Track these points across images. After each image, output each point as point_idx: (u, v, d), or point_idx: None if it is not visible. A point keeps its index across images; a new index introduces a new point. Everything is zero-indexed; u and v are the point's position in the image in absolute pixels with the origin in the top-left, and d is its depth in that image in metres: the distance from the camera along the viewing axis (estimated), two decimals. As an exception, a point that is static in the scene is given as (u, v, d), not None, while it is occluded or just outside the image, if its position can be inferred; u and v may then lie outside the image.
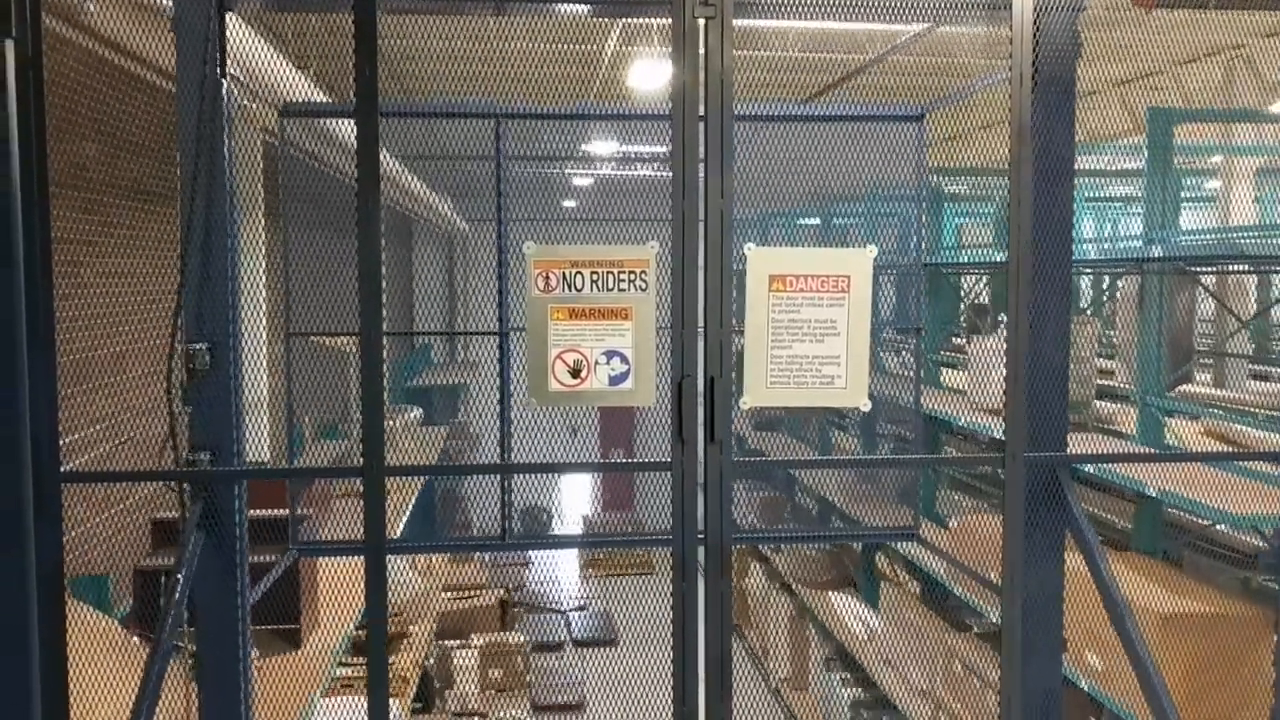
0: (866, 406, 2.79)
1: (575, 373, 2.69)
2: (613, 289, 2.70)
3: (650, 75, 9.26)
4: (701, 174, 2.51)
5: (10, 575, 2.42)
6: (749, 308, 2.69)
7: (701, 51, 2.52)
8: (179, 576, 2.93)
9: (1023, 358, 2.84)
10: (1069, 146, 2.90)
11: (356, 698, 8.04)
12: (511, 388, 5.72)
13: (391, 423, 10.83)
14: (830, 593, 11.22)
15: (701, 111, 2.52)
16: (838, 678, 10.23)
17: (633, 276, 2.70)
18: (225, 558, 3.20)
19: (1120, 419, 6.99)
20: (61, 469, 2.56)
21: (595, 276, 2.71)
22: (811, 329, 2.72)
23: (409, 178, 11.49)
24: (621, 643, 14.69)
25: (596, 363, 2.67)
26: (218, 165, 3.21)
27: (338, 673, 7.82)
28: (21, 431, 2.43)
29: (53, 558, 2.54)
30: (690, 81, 2.41)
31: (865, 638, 10.02)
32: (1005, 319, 7.92)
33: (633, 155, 15.40)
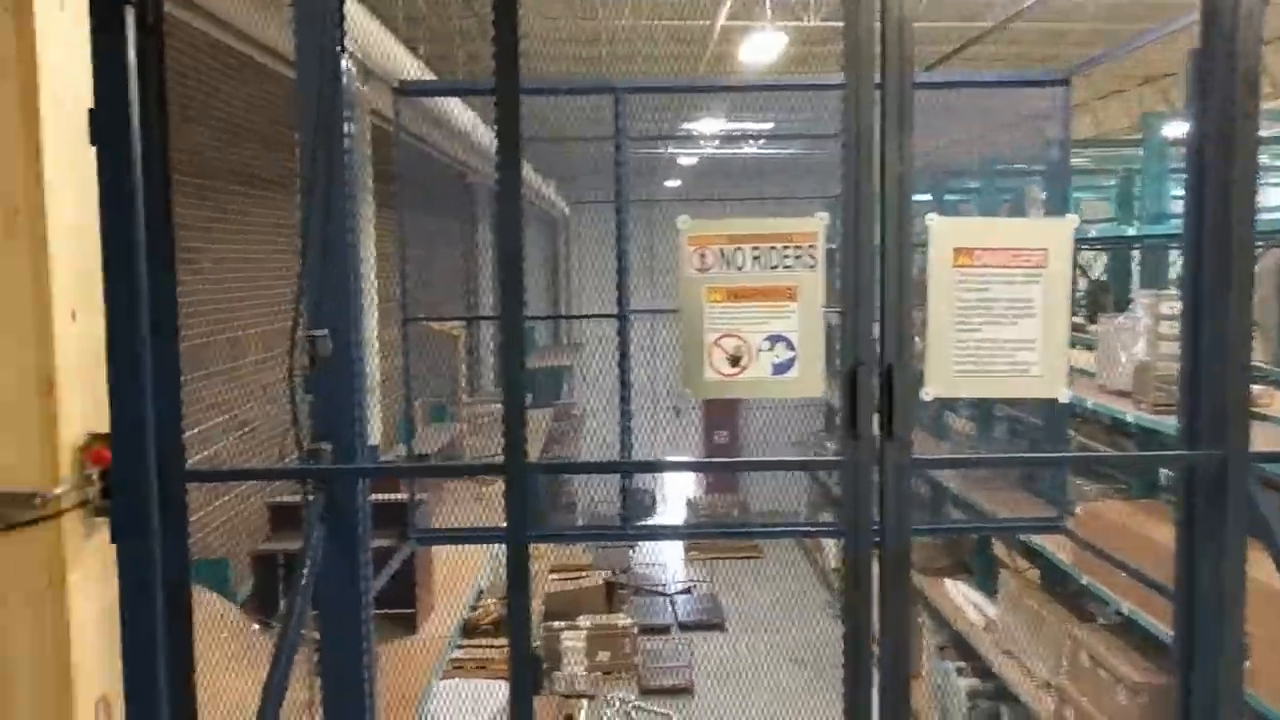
0: (1065, 398, 2.54)
1: (735, 360, 2.46)
2: (777, 266, 2.48)
3: (761, 48, 9.01)
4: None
5: (135, 576, 2.35)
6: (932, 286, 2.44)
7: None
8: (303, 571, 2.85)
9: (1213, 343, 2.58)
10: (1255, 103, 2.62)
11: (472, 681, 8.06)
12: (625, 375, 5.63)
13: (495, 406, 10.79)
14: (945, 580, 10.92)
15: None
16: (952, 666, 9.95)
17: (799, 252, 2.47)
18: (346, 547, 3.11)
19: (1265, 400, 6.57)
20: (186, 467, 2.48)
21: (757, 253, 2.48)
22: (1003, 309, 2.47)
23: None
24: (730, 628, 14.56)
25: (759, 349, 2.44)
26: (337, 147, 3.12)
27: (453, 655, 7.84)
28: (145, 428, 2.35)
29: (178, 559, 2.47)
30: (865, 30, 2.18)
31: (982, 626, 9.72)
32: (1136, 297, 7.49)
33: (741, 133, 15.15)
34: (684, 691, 12.98)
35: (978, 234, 2.47)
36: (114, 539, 2.38)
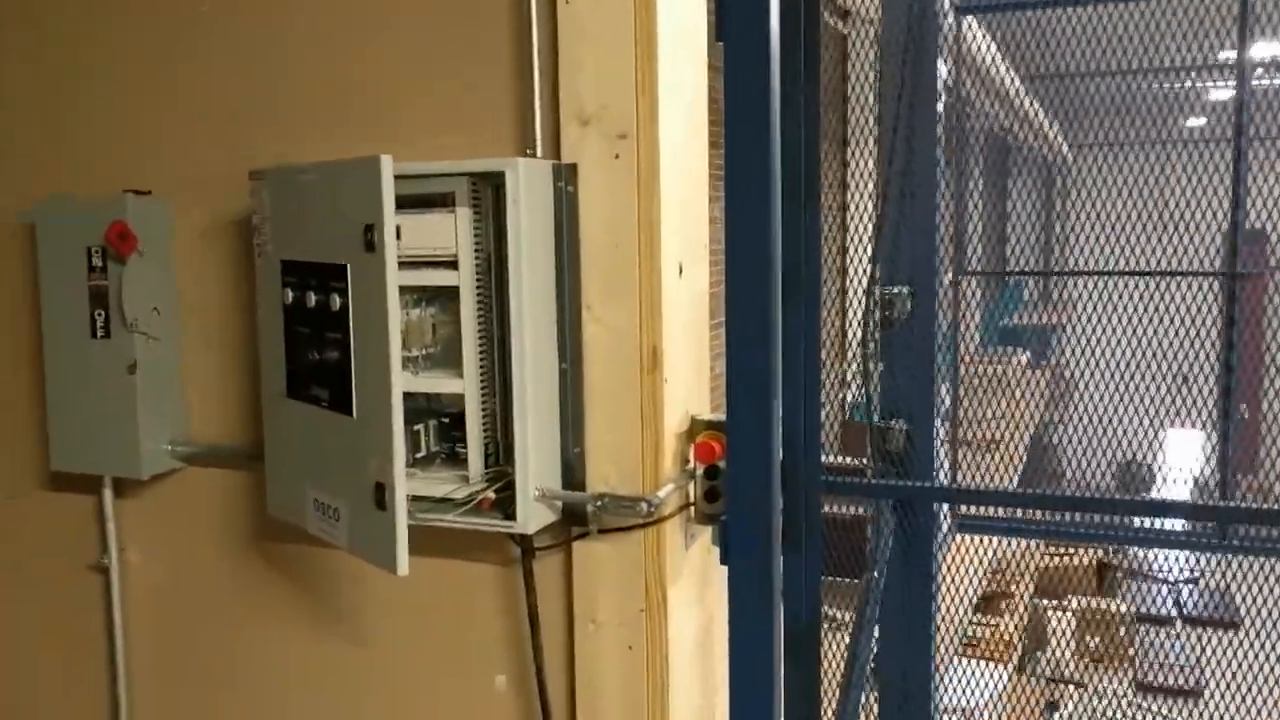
0: None
1: None
2: None
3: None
4: None
5: (751, 609, 1.95)
6: None
7: None
8: (869, 599, 2.37)
9: None
10: None
11: (977, 663, 7.56)
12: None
13: (997, 367, 10.02)
14: None
15: None
16: None
17: None
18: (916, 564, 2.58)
19: None
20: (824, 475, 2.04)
21: None
22: None
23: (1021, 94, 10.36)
24: (1247, 627, 12.77)
25: None
26: (927, 86, 2.56)
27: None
28: (770, 420, 1.93)
29: (806, 592, 2.04)
30: None
31: None
32: None
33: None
34: (1190, 694, 11.56)
35: None
36: (725, 559, 2.00)
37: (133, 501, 2.62)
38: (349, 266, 1.95)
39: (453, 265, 2.11)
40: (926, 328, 2.72)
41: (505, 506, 2.09)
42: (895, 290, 2.69)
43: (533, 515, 2.06)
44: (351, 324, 1.96)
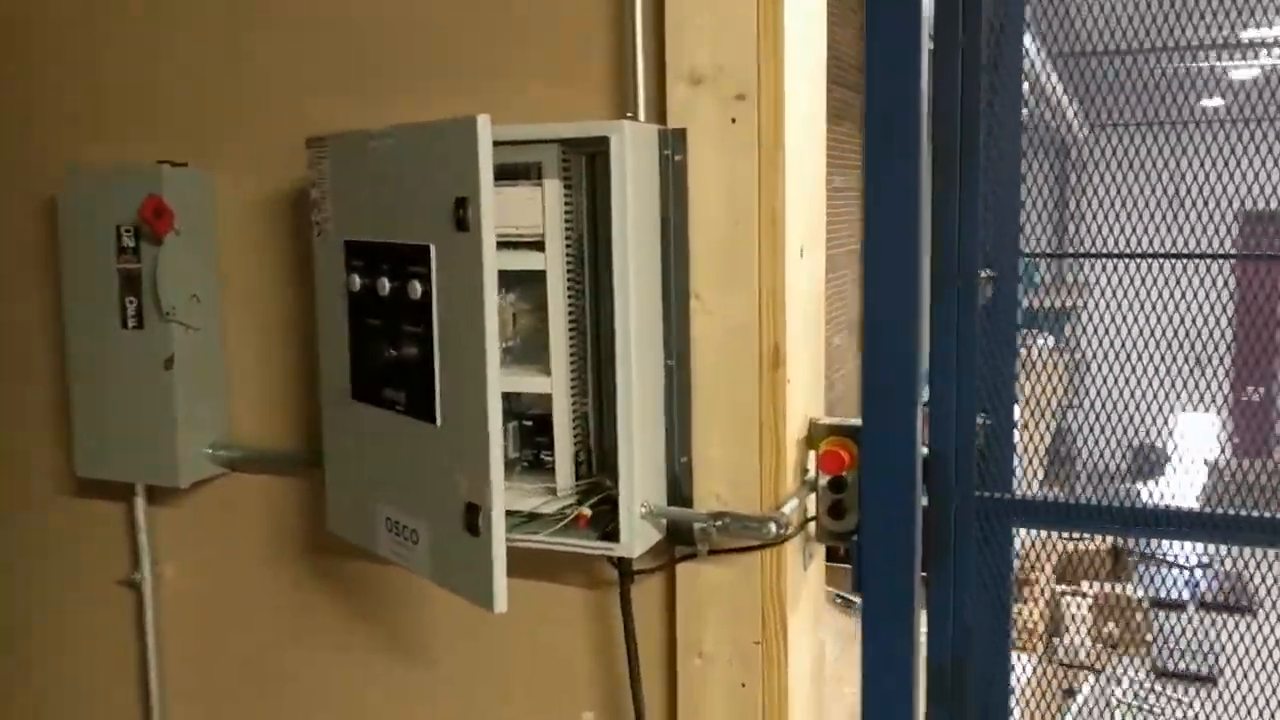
0: None
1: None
2: None
3: None
4: None
5: (887, 646, 1.69)
6: None
7: None
8: None
9: None
10: None
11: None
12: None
13: (1025, 352, 9.83)
14: None
15: None
16: None
17: None
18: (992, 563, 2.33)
19: None
20: (988, 492, 1.78)
21: None
22: None
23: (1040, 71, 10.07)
24: (1262, 613, 12.60)
25: None
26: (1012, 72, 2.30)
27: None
28: (913, 427, 1.67)
29: (953, 630, 1.78)
30: None
31: None
32: None
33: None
34: (1206, 680, 11.39)
35: None
36: (858, 586, 1.74)
37: (169, 510, 2.34)
38: (433, 248, 1.67)
39: (539, 246, 1.84)
40: (1009, 314, 2.47)
41: (602, 523, 1.83)
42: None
43: (638, 535, 1.79)
44: (435, 315, 1.68)
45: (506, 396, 1.91)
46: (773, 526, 1.75)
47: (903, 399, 1.71)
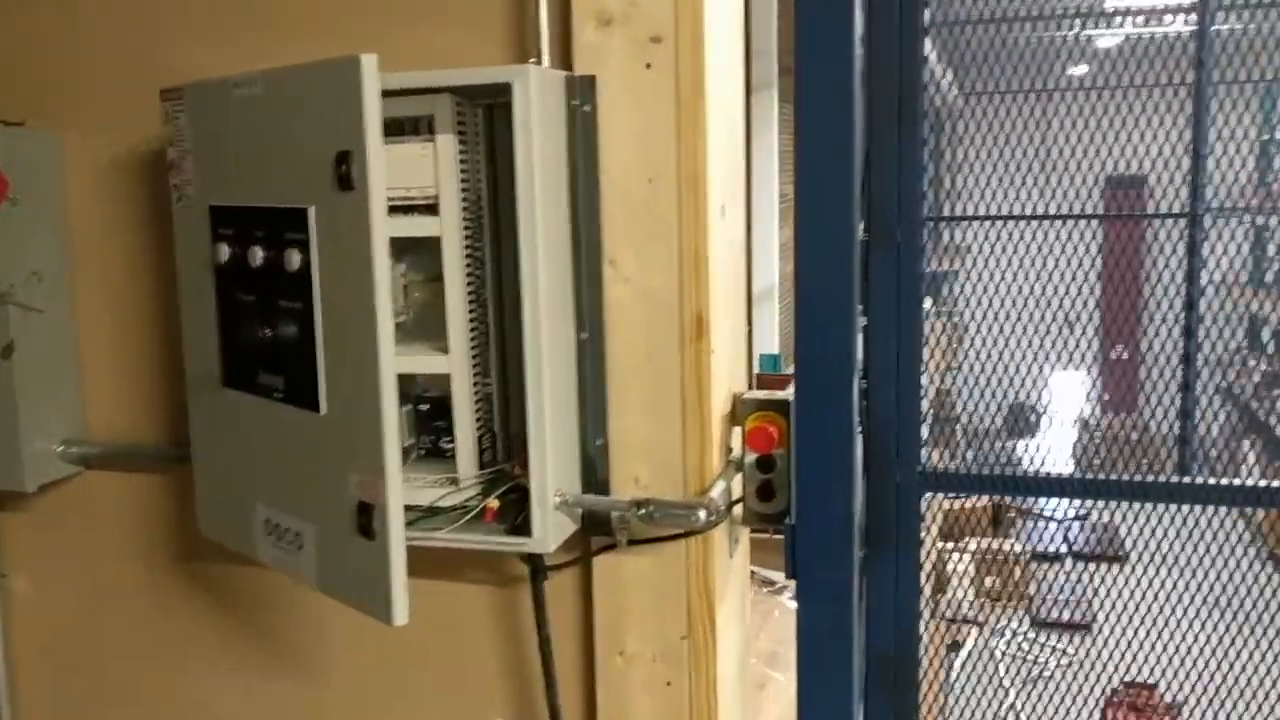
0: None
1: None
2: None
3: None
4: None
5: (824, 635, 1.56)
6: None
7: None
8: None
9: None
10: None
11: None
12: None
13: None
14: None
15: None
16: None
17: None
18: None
19: None
20: (924, 467, 1.66)
21: None
22: None
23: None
24: (1132, 561, 13.06)
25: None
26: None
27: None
28: (852, 405, 1.54)
29: (900, 614, 1.66)
30: None
31: None
32: None
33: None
34: (1081, 628, 11.79)
35: None
36: (793, 574, 1.60)
37: (16, 517, 2.08)
38: (311, 211, 1.46)
39: (432, 210, 1.64)
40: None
41: (511, 515, 1.65)
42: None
43: (552, 529, 1.61)
44: (317, 288, 1.48)
45: (400, 378, 1.71)
46: (702, 514, 1.59)
47: (839, 369, 1.57)
